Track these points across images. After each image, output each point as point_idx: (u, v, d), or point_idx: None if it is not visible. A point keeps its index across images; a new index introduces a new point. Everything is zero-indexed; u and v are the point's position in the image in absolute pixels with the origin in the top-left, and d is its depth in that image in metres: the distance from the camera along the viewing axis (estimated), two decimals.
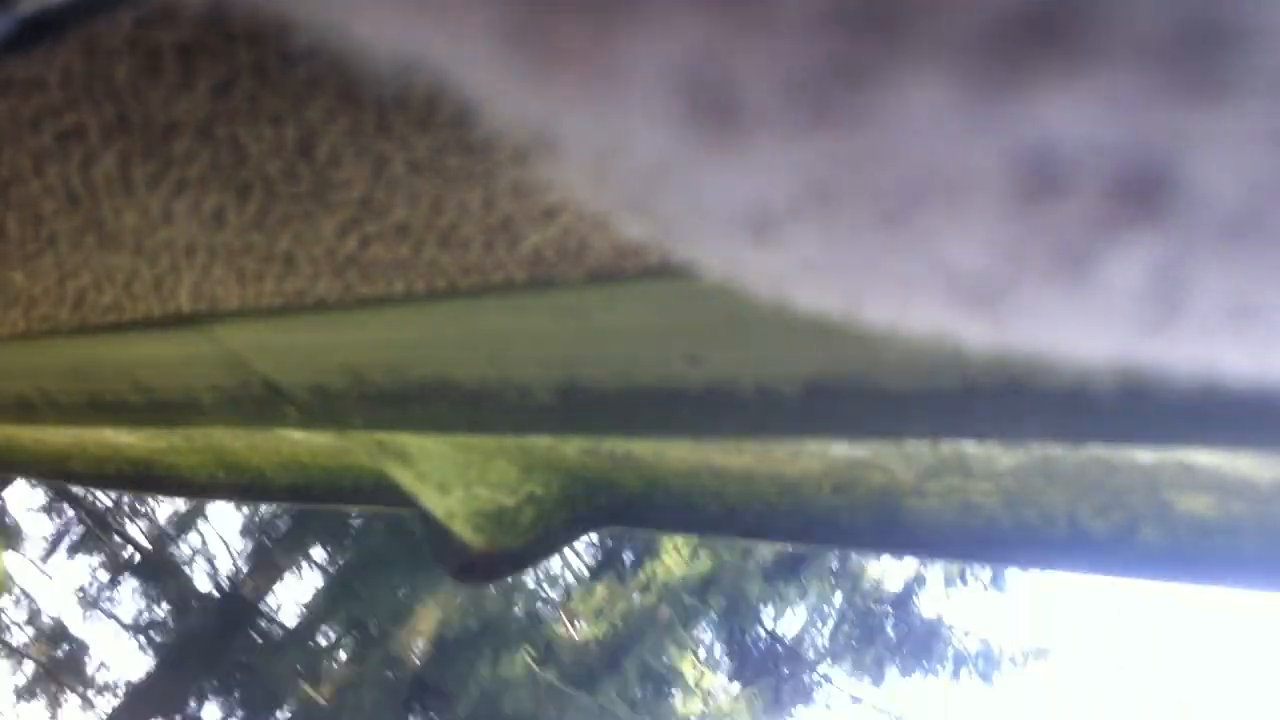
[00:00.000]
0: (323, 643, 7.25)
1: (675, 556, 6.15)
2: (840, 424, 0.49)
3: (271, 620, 7.46)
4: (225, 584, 7.51)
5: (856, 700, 7.06)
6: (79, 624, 7.70)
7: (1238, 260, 0.12)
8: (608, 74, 0.12)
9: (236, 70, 0.42)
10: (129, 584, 7.58)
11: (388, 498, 0.73)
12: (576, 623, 6.60)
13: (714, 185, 0.13)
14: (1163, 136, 0.11)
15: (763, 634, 7.00)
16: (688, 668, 6.39)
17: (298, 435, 0.73)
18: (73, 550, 7.51)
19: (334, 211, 0.47)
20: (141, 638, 7.56)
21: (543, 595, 6.80)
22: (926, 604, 6.77)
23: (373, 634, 6.77)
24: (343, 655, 7.13)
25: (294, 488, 0.80)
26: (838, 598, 6.68)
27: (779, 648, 6.97)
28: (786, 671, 6.96)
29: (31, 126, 0.49)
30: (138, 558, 7.60)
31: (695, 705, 6.49)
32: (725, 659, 7.07)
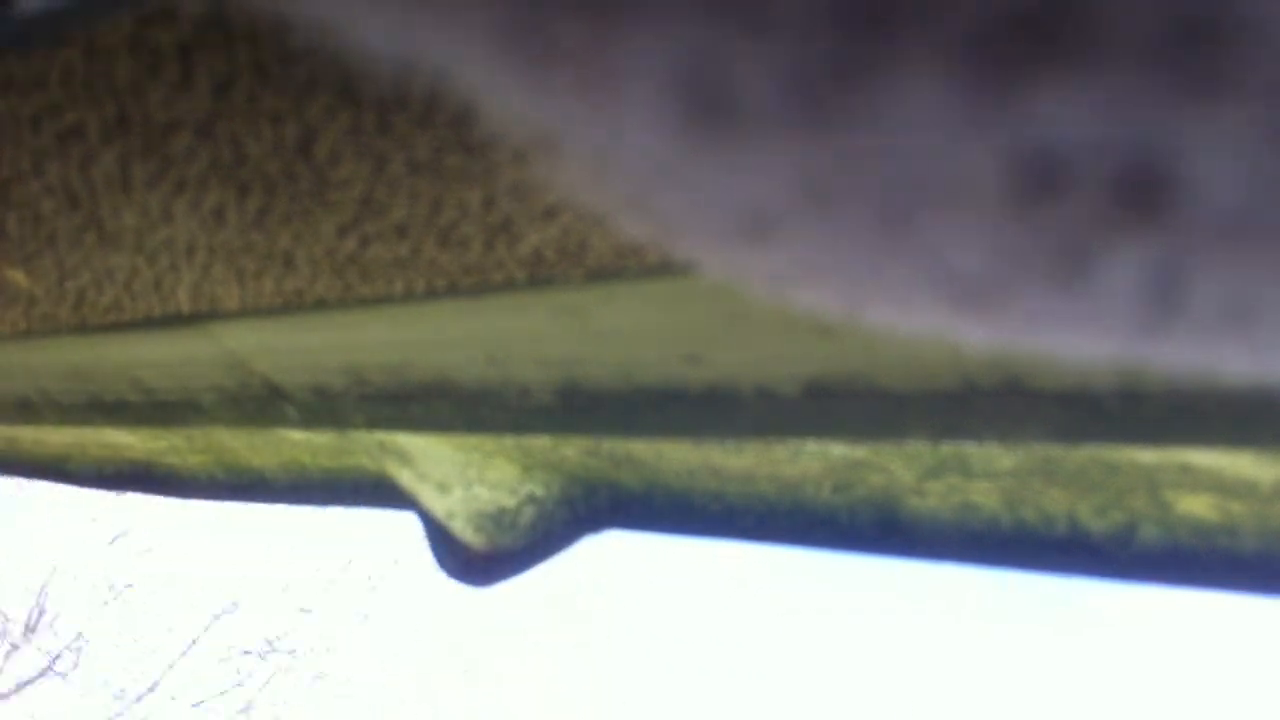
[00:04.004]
0: None
1: None
2: (840, 424, 0.49)
3: None
4: None
5: None
6: None
7: (1237, 260, 0.12)
8: (606, 73, 0.12)
9: (236, 69, 0.42)
10: None
11: (388, 498, 0.73)
12: None
13: (713, 185, 0.13)
14: (1161, 136, 0.11)
15: None
16: None
17: (298, 435, 0.73)
18: None
19: (334, 211, 0.47)
20: None
21: None
22: None
23: None
24: None
25: (294, 488, 0.80)
26: None
27: None
28: None
29: (31, 126, 0.49)
30: None
31: None
32: None
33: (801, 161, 0.12)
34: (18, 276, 0.61)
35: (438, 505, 0.69)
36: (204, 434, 0.78)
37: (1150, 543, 0.49)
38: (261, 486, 0.82)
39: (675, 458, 0.60)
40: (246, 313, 0.57)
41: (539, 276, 0.47)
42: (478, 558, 0.69)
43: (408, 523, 0.72)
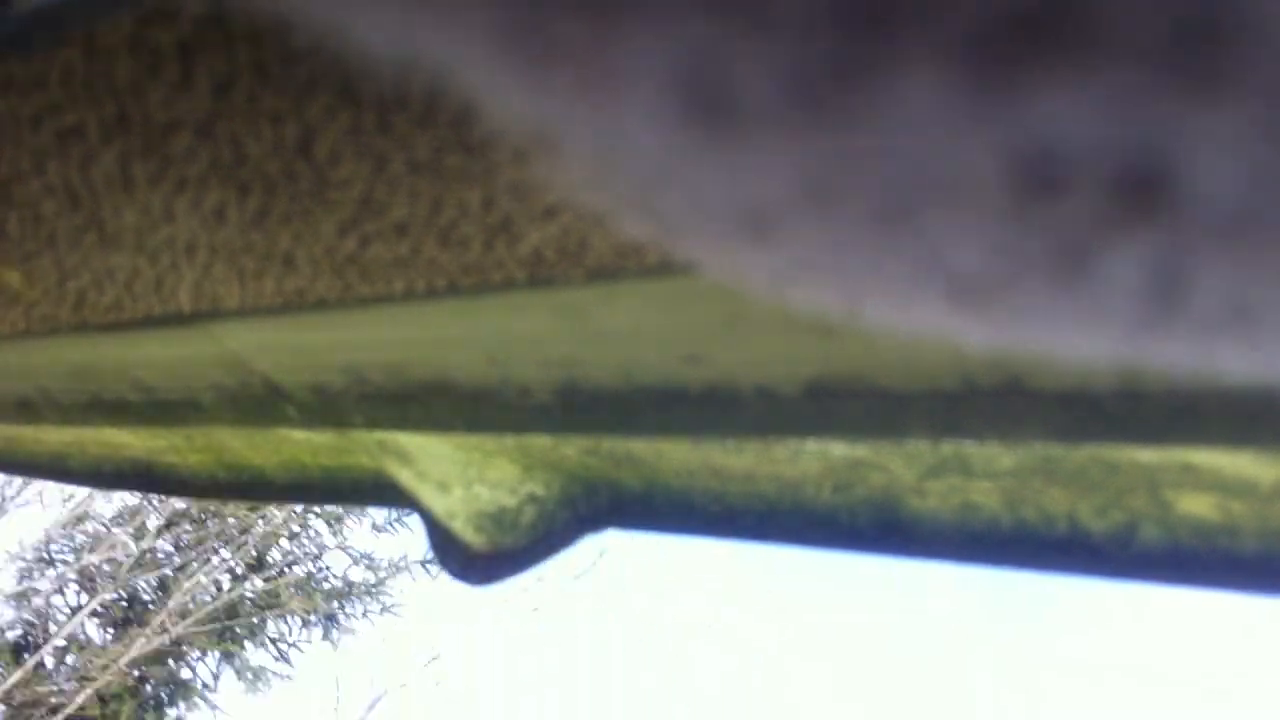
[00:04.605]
0: None
1: None
2: (840, 424, 0.49)
3: None
4: None
5: None
6: None
7: (1237, 259, 0.12)
8: (607, 73, 0.12)
9: (236, 69, 0.42)
10: None
11: (388, 497, 0.73)
12: None
13: (713, 184, 0.13)
14: (1161, 135, 0.11)
15: None
16: None
17: (298, 435, 0.73)
18: None
19: (334, 210, 0.47)
20: None
21: None
22: None
23: None
24: None
25: (294, 487, 0.80)
26: None
27: None
28: None
29: (31, 125, 0.49)
30: None
31: None
32: None
33: (801, 161, 0.12)
34: (17, 277, 0.61)
35: (438, 505, 0.69)
36: (204, 433, 0.78)
37: (1151, 542, 0.49)
38: (262, 485, 0.82)
39: (675, 458, 0.60)
40: (247, 312, 0.57)
41: (539, 276, 0.47)
42: (478, 557, 0.69)
43: None
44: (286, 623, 7.13)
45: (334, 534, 7.40)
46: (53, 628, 6.60)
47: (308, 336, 0.59)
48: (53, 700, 6.27)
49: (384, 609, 7.26)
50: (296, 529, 7.32)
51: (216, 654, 6.93)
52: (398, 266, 0.49)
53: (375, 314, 0.54)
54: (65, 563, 6.86)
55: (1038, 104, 0.11)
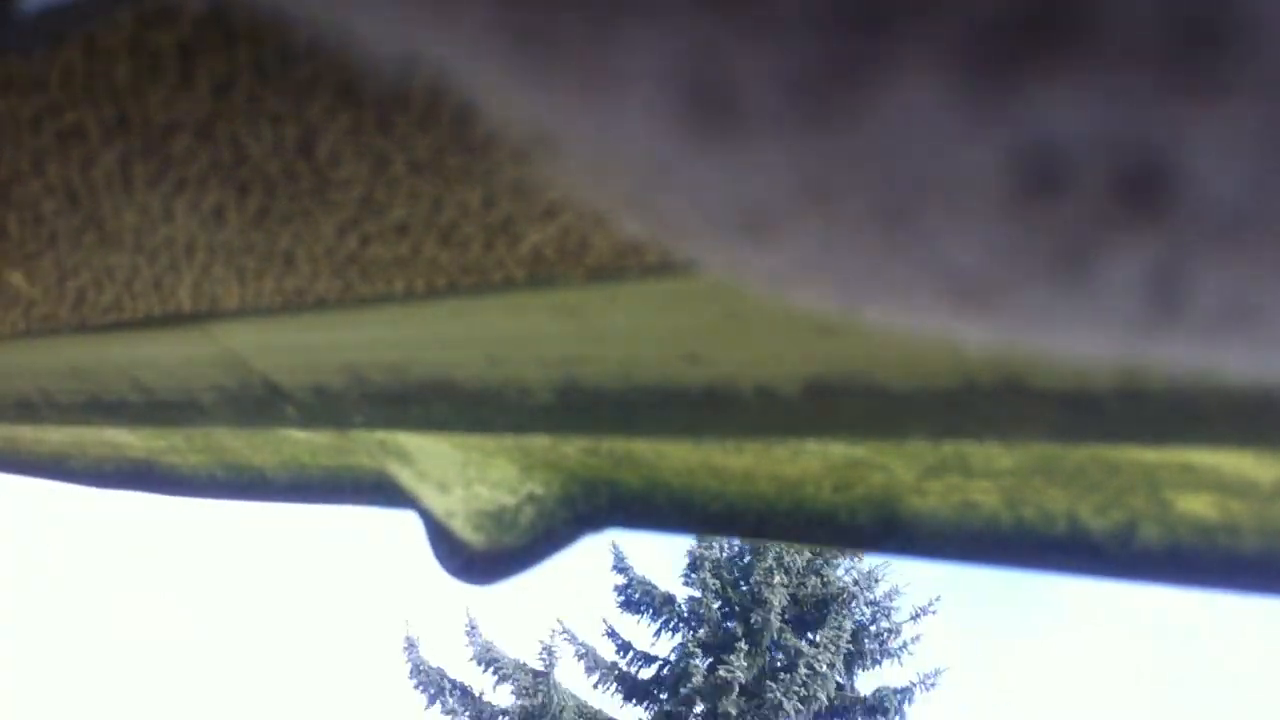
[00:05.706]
0: None
1: None
2: (840, 423, 0.49)
3: None
4: None
5: None
6: None
7: (1237, 258, 0.12)
8: (607, 72, 0.12)
9: (236, 69, 0.42)
10: None
11: (388, 497, 0.73)
12: None
13: (713, 183, 0.13)
14: (1162, 134, 0.11)
15: None
16: None
17: (298, 435, 0.73)
18: None
19: (334, 210, 0.47)
20: None
21: None
22: None
23: None
24: None
25: (294, 486, 0.80)
26: None
27: None
28: None
29: (31, 126, 0.49)
30: None
31: None
32: None
33: (801, 160, 0.12)
34: (17, 277, 0.61)
35: (438, 504, 0.69)
36: (204, 433, 0.78)
37: (1151, 541, 0.49)
38: (262, 485, 0.82)
39: (675, 457, 0.60)
40: (246, 312, 0.57)
41: (539, 276, 0.47)
42: (478, 557, 0.69)
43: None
44: None
45: None
46: None
47: (308, 336, 0.59)
48: None
49: None
50: None
51: None
52: (398, 266, 0.49)
53: (375, 314, 0.54)
54: None
55: (1038, 104, 0.11)
